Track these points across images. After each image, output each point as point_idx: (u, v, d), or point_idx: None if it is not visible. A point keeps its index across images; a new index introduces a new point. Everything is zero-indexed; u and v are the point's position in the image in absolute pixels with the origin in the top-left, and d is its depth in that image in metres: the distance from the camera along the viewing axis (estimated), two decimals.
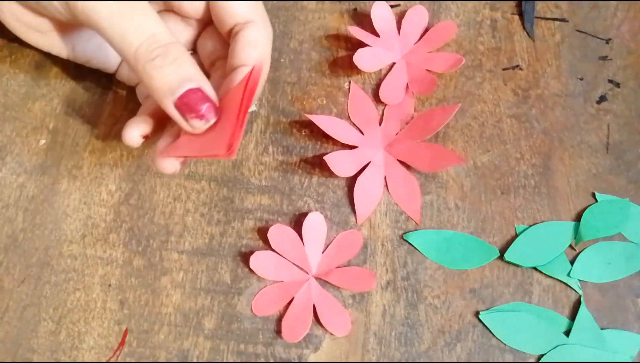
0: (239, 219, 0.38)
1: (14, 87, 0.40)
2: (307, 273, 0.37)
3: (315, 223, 0.37)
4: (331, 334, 0.36)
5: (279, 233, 0.37)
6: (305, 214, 0.38)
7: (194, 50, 0.38)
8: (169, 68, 0.30)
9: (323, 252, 0.37)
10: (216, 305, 0.36)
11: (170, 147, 0.33)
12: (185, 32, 0.37)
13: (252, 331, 0.36)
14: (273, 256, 0.37)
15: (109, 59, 0.38)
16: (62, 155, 0.39)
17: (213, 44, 0.37)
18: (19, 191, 0.38)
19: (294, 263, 0.37)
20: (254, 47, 0.33)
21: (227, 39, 0.35)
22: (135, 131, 0.33)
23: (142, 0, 0.31)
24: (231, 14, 0.34)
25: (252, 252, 0.36)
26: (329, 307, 0.36)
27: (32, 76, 0.41)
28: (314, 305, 0.36)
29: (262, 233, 0.37)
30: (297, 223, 0.38)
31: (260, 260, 0.36)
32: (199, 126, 0.31)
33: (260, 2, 0.35)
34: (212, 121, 0.31)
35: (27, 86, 0.41)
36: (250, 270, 0.37)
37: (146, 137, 0.34)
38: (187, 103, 0.30)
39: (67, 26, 0.36)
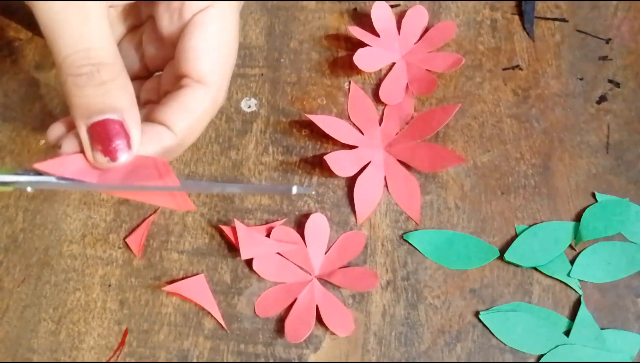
0: (239, 220, 0.38)
1: (14, 87, 0.40)
2: (310, 274, 0.37)
3: (317, 224, 0.37)
4: (333, 334, 0.36)
5: (282, 235, 0.37)
6: (305, 215, 0.38)
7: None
8: (91, 90, 0.26)
9: (326, 253, 0.37)
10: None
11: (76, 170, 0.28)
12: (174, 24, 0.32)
13: (252, 331, 0.36)
14: (276, 258, 0.37)
15: None
16: None
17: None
18: (19, 191, 0.38)
19: (296, 264, 0.37)
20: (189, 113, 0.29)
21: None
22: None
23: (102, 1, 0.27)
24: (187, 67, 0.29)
25: None
26: (332, 308, 0.36)
27: (32, 76, 0.41)
28: (317, 305, 0.36)
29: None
30: (299, 224, 0.38)
31: (262, 262, 0.36)
32: (102, 162, 0.27)
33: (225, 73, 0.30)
34: (121, 161, 0.27)
35: (27, 86, 0.41)
36: (251, 270, 0.37)
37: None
38: (100, 134, 0.26)
39: None
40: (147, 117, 0.29)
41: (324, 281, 0.37)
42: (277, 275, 0.37)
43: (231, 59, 0.30)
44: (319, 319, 0.35)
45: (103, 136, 0.26)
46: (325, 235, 0.37)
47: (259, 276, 0.36)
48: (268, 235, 0.37)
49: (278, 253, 0.37)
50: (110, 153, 0.27)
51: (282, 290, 0.36)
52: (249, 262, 0.37)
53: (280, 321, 0.36)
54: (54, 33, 0.26)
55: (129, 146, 0.27)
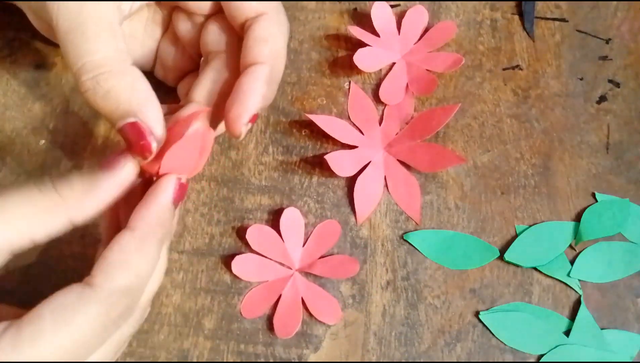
0: (239, 219, 0.38)
1: (14, 87, 0.40)
2: (290, 268, 0.37)
3: (291, 218, 0.37)
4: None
5: (258, 233, 0.37)
6: (278, 211, 0.38)
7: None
8: (103, 102, 0.28)
9: (303, 246, 0.37)
10: (216, 305, 0.36)
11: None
12: (190, 27, 0.36)
13: (252, 331, 0.36)
14: (254, 258, 0.37)
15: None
16: (62, 155, 0.39)
17: (214, 36, 0.35)
18: None
19: (276, 261, 0.37)
20: (264, 43, 0.32)
21: (240, 33, 0.34)
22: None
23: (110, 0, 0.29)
24: (240, 9, 0.33)
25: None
26: (317, 298, 0.36)
27: (32, 76, 0.41)
28: (302, 298, 0.36)
29: None
30: (274, 221, 0.38)
31: (242, 264, 0.36)
32: (141, 160, 0.28)
33: None
34: (154, 151, 0.28)
35: (27, 86, 0.41)
36: None
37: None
38: (127, 138, 0.27)
39: None
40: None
41: (307, 274, 0.37)
42: (258, 275, 0.36)
43: None
44: (307, 311, 0.36)
45: (128, 140, 0.27)
46: (300, 227, 0.37)
47: (244, 280, 0.36)
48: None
49: (256, 252, 0.37)
50: (140, 153, 0.27)
51: (265, 289, 0.36)
52: None
53: (271, 319, 0.36)
54: (66, 50, 0.28)
55: (152, 138, 0.27)
